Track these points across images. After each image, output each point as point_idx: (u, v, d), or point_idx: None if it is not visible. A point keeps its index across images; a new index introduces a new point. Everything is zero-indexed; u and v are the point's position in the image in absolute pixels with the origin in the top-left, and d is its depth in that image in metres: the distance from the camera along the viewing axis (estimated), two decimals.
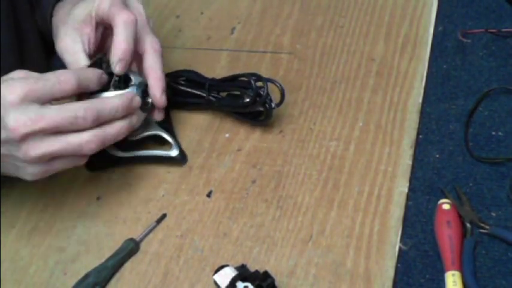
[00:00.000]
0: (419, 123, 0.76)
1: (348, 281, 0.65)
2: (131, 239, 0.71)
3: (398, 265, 0.66)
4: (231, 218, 0.72)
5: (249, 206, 0.72)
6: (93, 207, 0.76)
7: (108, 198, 0.76)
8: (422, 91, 0.78)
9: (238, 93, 0.76)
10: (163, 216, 0.73)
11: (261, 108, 0.75)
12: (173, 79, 0.81)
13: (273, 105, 0.75)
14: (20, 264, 0.72)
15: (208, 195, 0.74)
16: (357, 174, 0.73)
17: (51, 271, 0.71)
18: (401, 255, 0.66)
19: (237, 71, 0.82)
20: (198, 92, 0.79)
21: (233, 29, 0.92)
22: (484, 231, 0.66)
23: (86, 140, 0.65)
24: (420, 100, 0.78)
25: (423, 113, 0.77)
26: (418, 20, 0.85)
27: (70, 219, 0.75)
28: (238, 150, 0.78)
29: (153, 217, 0.73)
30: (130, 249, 0.70)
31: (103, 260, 0.70)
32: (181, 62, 0.88)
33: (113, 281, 0.69)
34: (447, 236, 0.65)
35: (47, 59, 0.87)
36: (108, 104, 0.67)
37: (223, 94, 0.79)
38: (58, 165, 0.67)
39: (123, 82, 0.71)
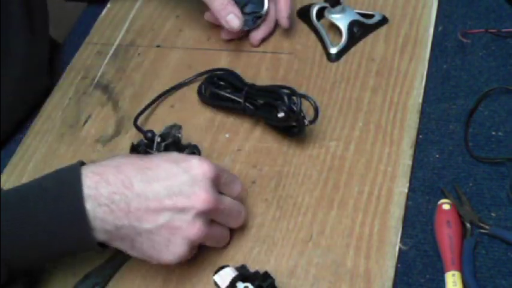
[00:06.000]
0: (419, 123, 0.76)
1: (348, 281, 0.65)
2: None
3: (398, 265, 0.66)
4: None
5: (249, 206, 0.72)
6: None
7: None
8: (422, 91, 0.78)
9: (274, 103, 0.74)
10: None
11: (294, 124, 0.74)
12: (211, 79, 0.81)
13: (306, 122, 0.73)
14: None
15: None
16: (357, 174, 0.72)
17: (51, 271, 0.71)
18: (401, 255, 0.66)
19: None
20: (235, 98, 0.78)
21: None
22: (484, 231, 0.66)
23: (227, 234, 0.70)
24: (420, 100, 0.77)
25: (423, 113, 0.77)
26: (418, 20, 0.85)
27: None
28: (238, 150, 0.77)
29: None
30: None
31: (103, 260, 0.70)
32: (182, 62, 0.88)
33: (112, 281, 0.69)
34: (447, 236, 0.65)
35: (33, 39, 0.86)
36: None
37: (261, 101, 0.76)
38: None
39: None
